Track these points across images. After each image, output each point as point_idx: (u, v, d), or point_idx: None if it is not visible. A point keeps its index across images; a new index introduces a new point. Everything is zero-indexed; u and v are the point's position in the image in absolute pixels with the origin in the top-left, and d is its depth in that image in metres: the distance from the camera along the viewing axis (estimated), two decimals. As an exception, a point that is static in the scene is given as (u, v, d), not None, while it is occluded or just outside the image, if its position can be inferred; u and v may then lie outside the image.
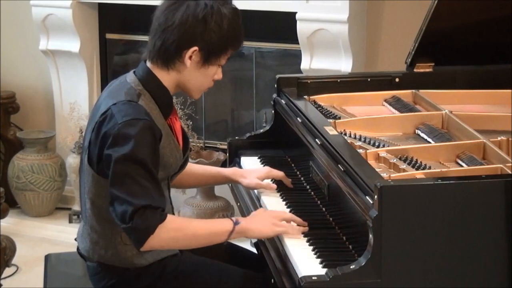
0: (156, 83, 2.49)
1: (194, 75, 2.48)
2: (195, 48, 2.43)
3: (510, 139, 2.61)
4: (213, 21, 2.42)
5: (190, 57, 2.44)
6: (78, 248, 2.64)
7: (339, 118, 2.87)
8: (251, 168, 2.93)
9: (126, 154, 2.35)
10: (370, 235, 2.11)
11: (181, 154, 2.58)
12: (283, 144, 3.11)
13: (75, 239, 2.66)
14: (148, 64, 2.50)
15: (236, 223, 2.43)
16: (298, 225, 2.47)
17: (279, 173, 2.80)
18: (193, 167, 2.87)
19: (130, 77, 2.52)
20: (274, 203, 2.69)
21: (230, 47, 2.48)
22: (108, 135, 2.39)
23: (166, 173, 2.53)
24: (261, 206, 2.72)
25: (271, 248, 2.47)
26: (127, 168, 2.35)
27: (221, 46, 2.46)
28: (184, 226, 2.43)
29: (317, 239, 2.39)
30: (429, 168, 2.44)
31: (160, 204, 2.38)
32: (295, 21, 4.22)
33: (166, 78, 2.49)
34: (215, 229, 2.45)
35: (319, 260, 2.27)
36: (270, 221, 2.46)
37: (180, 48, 2.43)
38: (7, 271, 4.14)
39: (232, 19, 2.47)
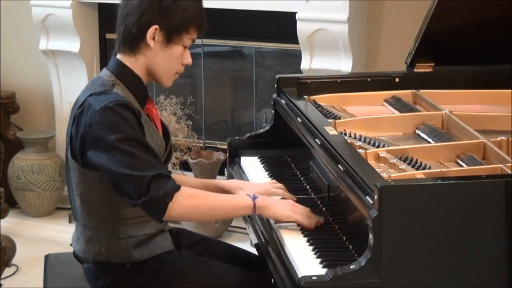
0: (128, 72, 2.54)
1: (160, 57, 2.53)
2: (156, 26, 2.49)
3: (510, 139, 2.61)
4: (170, 0, 2.49)
5: (153, 38, 2.50)
6: (74, 252, 2.65)
7: (339, 118, 2.87)
8: (252, 181, 2.88)
9: (117, 137, 2.38)
10: (370, 235, 2.11)
11: (163, 141, 2.59)
12: (283, 144, 3.11)
13: (71, 245, 2.66)
14: (118, 56, 2.57)
15: (254, 198, 2.47)
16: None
17: (277, 191, 2.67)
18: (190, 180, 2.80)
19: (103, 72, 2.58)
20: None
21: (191, 27, 2.52)
22: (89, 125, 2.42)
23: None
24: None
25: (271, 248, 2.47)
26: (123, 148, 2.38)
27: (181, 25, 2.51)
28: (202, 195, 2.48)
29: (317, 239, 2.39)
30: (429, 168, 2.44)
31: (168, 173, 2.42)
32: (295, 21, 4.22)
33: (136, 64, 2.54)
34: (235, 202, 2.51)
35: (319, 260, 2.27)
36: (289, 206, 2.49)
37: (141, 28, 2.50)
38: (7, 271, 4.15)
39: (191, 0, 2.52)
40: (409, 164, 2.45)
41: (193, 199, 2.43)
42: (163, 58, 2.53)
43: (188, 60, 2.57)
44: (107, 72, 2.56)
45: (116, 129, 2.39)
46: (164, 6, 2.48)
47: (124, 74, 2.54)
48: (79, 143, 2.46)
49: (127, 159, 2.38)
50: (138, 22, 2.50)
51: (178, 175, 2.84)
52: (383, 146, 2.63)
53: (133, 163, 2.37)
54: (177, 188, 2.40)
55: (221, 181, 2.85)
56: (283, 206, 2.50)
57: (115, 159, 2.38)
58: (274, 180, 2.81)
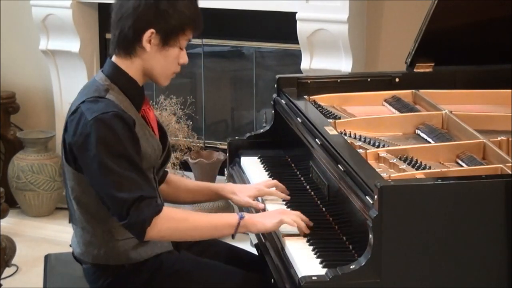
0: (123, 75, 2.52)
1: (156, 59, 2.51)
2: (152, 30, 2.46)
3: (510, 139, 2.61)
4: (166, 2, 2.46)
5: (150, 41, 2.47)
6: (73, 253, 2.65)
7: (339, 118, 2.87)
8: (243, 185, 2.85)
9: (104, 151, 2.37)
10: (370, 235, 2.11)
11: (159, 144, 2.58)
12: (283, 144, 3.11)
13: (70, 245, 2.66)
14: (113, 58, 2.54)
15: (241, 217, 2.45)
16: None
17: (270, 191, 2.71)
18: (187, 182, 2.86)
19: (98, 75, 2.56)
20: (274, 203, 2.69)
21: (187, 28, 2.50)
22: (79, 134, 2.41)
23: (148, 165, 2.52)
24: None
25: (271, 248, 2.47)
26: (109, 164, 2.37)
27: (177, 27, 2.48)
28: (184, 218, 2.45)
29: (317, 239, 2.39)
30: (429, 168, 2.44)
31: (152, 194, 2.40)
32: (295, 21, 4.22)
33: (131, 67, 2.52)
34: (218, 222, 2.48)
35: (319, 260, 2.27)
36: (275, 216, 2.47)
37: (137, 32, 2.47)
38: (7, 271, 4.14)
39: (186, 0, 2.49)
40: (409, 164, 2.45)
41: (173, 222, 2.42)
42: (159, 60, 2.51)
43: (185, 59, 2.55)
44: (102, 76, 2.53)
45: (105, 144, 2.38)
46: (160, 9, 2.45)
47: (119, 77, 2.51)
48: (69, 149, 2.47)
49: (111, 177, 2.37)
50: (133, 26, 2.46)
51: (175, 176, 2.84)
52: (383, 146, 2.63)
53: (117, 182, 2.36)
54: (157, 211, 2.38)
55: (214, 184, 2.87)
56: (269, 218, 2.46)
57: (100, 174, 2.38)
58: (268, 179, 2.82)
